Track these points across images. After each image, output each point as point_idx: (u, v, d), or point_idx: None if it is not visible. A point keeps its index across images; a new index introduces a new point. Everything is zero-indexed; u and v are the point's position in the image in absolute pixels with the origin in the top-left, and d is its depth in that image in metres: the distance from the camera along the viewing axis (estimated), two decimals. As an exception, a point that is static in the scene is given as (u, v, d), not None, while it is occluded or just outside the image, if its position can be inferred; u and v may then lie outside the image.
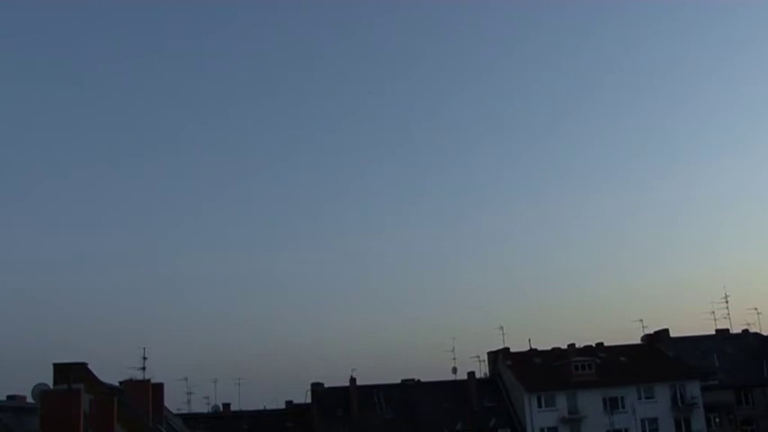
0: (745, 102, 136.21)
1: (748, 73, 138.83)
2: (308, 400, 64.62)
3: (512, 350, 69.45)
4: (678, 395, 64.46)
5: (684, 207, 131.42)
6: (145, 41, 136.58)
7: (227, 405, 66.01)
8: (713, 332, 73.06)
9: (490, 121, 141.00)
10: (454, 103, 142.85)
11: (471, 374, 67.28)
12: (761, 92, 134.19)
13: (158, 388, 41.96)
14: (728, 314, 73.49)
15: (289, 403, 65.86)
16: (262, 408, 66.23)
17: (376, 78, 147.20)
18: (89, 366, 35.85)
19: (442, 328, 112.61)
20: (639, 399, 63.97)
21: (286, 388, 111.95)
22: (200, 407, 65.48)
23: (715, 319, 73.50)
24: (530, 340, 71.33)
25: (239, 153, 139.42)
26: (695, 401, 64.26)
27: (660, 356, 68.52)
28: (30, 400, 32.08)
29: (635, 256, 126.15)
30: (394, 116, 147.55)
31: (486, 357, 71.13)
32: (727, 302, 73.27)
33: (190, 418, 58.96)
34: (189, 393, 64.53)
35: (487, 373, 70.15)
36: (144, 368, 49.94)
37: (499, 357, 68.94)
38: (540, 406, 63.16)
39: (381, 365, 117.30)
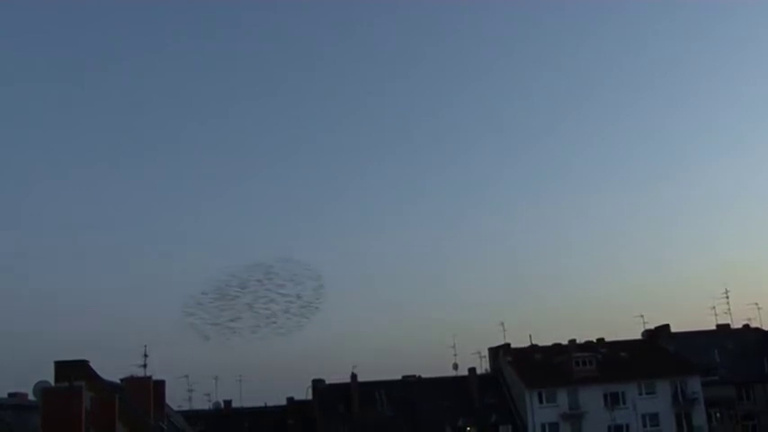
0: (745, 102, 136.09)
1: (748, 73, 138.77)
2: (309, 397, 64.67)
3: (512, 346, 69.48)
4: (679, 391, 64.45)
5: (684, 207, 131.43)
6: (145, 41, 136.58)
7: (228, 402, 66.17)
8: (714, 327, 72.99)
9: (490, 121, 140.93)
10: (454, 103, 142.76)
11: (472, 371, 67.32)
12: (761, 92, 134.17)
13: (159, 385, 42.07)
14: (729, 309, 73.50)
15: (290, 400, 65.82)
16: (263, 405, 66.31)
17: (376, 78, 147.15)
18: (90, 364, 35.91)
19: (443, 324, 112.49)
20: (640, 394, 63.96)
21: (287, 385, 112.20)
22: (202, 404, 65.74)
23: (716, 315, 73.61)
24: (530, 336, 71.39)
25: (239, 153, 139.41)
26: (696, 397, 64.25)
27: (661, 352, 68.48)
28: (31, 397, 32.14)
29: (635, 255, 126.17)
30: (394, 116, 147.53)
31: (486, 353, 71.23)
32: (727, 297, 73.33)
33: (191, 416, 59.03)
34: (190, 390, 64.81)
35: (488, 369, 70.17)
36: (145, 365, 49.85)
37: (500, 353, 68.91)
38: (540, 402, 63.15)
39: (382, 362, 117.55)
